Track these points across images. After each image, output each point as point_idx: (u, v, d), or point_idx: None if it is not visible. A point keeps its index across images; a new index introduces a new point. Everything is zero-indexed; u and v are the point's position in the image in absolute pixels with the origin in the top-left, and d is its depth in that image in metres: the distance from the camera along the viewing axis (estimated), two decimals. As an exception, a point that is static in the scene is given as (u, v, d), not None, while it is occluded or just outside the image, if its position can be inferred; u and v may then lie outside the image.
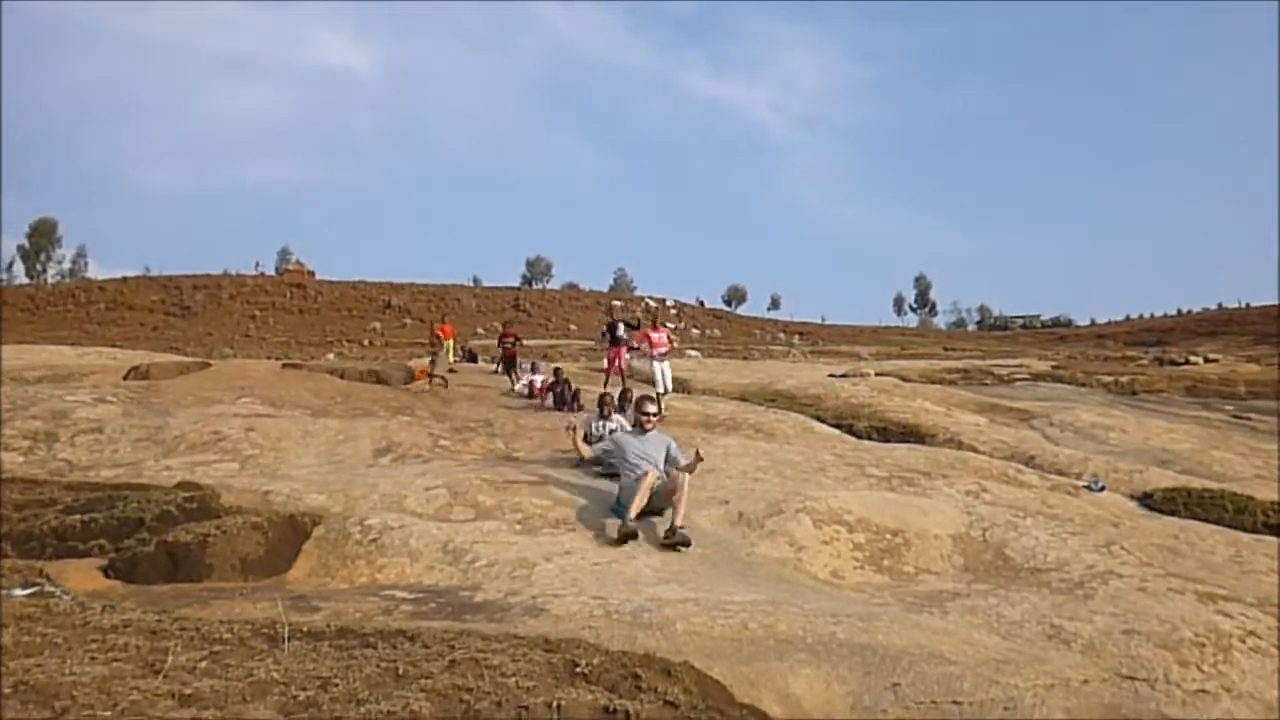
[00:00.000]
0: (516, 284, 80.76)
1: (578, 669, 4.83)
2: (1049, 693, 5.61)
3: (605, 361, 18.56)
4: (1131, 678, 6.02)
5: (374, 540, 7.73)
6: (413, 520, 8.27)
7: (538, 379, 18.59)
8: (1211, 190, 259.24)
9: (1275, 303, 67.56)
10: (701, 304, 72.94)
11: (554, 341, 44.54)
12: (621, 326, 18.16)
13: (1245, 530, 10.34)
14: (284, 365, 22.41)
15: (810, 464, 11.61)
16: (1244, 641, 6.71)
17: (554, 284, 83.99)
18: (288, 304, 77.34)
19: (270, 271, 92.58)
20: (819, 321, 71.42)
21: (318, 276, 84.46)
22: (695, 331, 55.56)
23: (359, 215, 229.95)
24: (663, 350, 16.53)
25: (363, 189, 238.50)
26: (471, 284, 77.94)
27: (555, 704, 4.44)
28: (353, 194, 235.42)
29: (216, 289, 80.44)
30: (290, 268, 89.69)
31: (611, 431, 11.16)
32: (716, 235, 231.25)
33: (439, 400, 16.35)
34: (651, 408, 9.59)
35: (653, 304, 62.60)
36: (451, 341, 26.70)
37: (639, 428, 9.48)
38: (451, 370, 22.41)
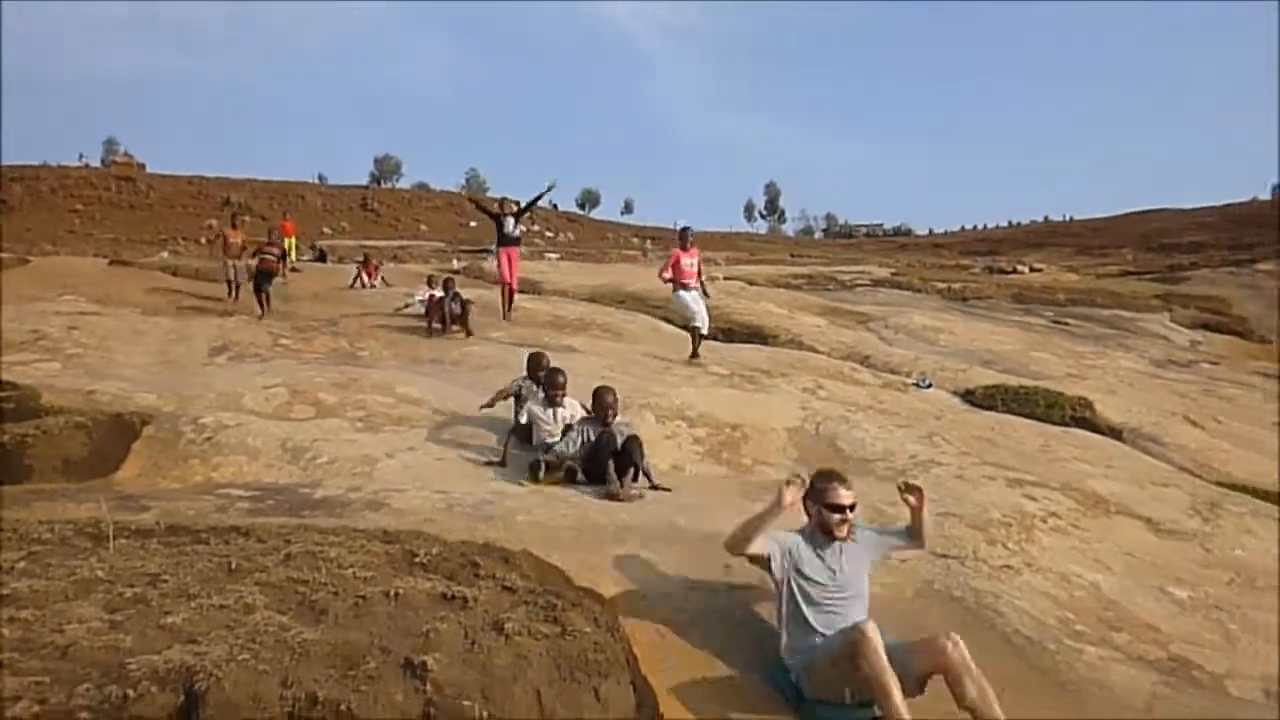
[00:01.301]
0: (364, 182, 77.87)
1: (416, 559, 4.88)
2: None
3: (496, 266, 15.04)
4: (945, 556, 6.48)
5: (209, 439, 7.52)
6: (250, 419, 8.07)
7: (437, 293, 14.52)
8: (1041, 110, 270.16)
9: (1096, 216, 71.74)
10: (555, 207, 71.95)
11: (404, 242, 43.39)
12: (511, 222, 14.56)
13: (1055, 423, 11.15)
14: (112, 263, 21.17)
15: (656, 363, 11.83)
16: (1045, 521, 7.30)
17: (403, 183, 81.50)
18: (116, 199, 72.38)
19: (96, 164, 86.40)
20: (672, 227, 71.78)
21: (149, 170, 79.32)
22: (550, 234, 55.11)
23: (195, 108, 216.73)
24: (692, 279, 12.73)
25: (199, 80, 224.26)
26: (317, 181, 74.67)
27: (393, 592, 4.49)
28: (188, 85, 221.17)
29: (35, 180, 74.53)
30: (118, 160, 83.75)
31: (566, 425, 7.77)
32: (572, 139, 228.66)
33: (280, 299, 15.80)
34: (844, 496, 4.72)
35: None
36: (294, 240, 25.78)
37: (824, 534, 4.75)
38: (294, 269, 21.64)
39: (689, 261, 12.66)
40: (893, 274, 36.62)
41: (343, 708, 3.87)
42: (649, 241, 53.54)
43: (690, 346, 12.92)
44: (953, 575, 6.21)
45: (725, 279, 28.85)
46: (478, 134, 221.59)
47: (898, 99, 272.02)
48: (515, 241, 14.69)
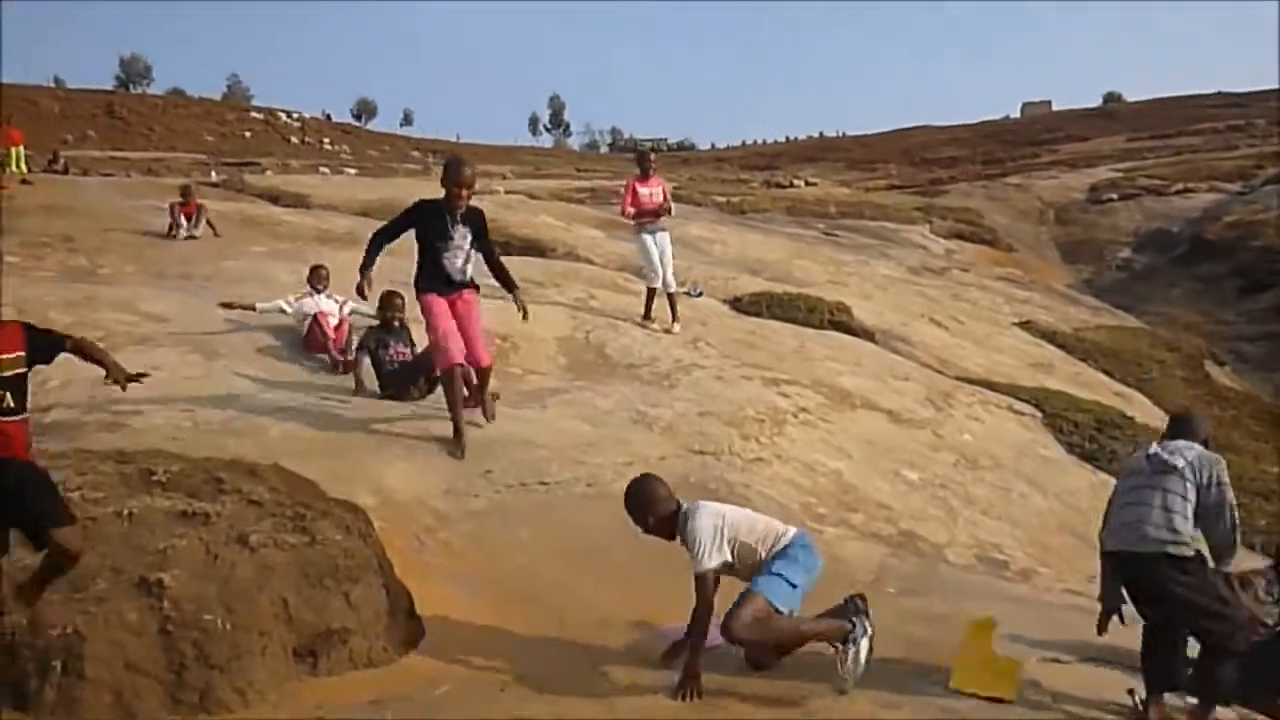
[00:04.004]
0: (109, 86, 70.78)
1: (154, 477, 4.67)
2: (628, 468, 6.18)
3: (432, 328, 6.37)
4: (701, 452, 6.79)
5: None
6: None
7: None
8: (816, 27, 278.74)
9: (866, 132, 75.32)
10: (328, 117, 68.16)
11: (159, 154, 40.23)
12: (465, 241, 6.50)
13: (814, 327, 11.76)
14: None
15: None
16: (796, 416, 7.75)
17: (155, 89, 74.72)
18: None
19: None
20: (454, 140, 69.84)
21: None
22: (330, 146, 52.44)
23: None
24: (656, 215, 10.22)
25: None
26: (53, 85, 67.15)
27: (126, 513, 4.29)
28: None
29: None
30: None
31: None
32: (343, 44, 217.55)
33: (6, 213, 14.33)
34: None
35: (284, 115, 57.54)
36: (21, 149, 23.53)
37: None
38: (25, 181, 19.72)
39: (648, 192, 10.13)
40: (675, 188, 37.12)
41: (69, 630, 3.70)
42: (431, 155, 52.02)
43: (643, 308, 10.36)
44: (709, 470, 6.52)
45: (506, 193, 28.55)
46: (238, 36, 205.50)
47: (685, 14, 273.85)
48: (464, 285, 6.63)
